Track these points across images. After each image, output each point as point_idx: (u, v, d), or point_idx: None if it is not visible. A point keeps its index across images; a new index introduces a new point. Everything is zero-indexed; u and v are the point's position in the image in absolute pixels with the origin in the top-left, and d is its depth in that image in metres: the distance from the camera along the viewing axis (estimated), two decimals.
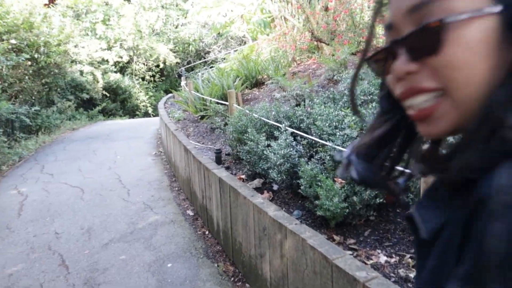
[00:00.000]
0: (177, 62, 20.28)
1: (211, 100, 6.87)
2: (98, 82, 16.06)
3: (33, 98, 12.21)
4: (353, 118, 3.29)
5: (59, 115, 12.96)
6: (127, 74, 18.95)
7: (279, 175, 3.34)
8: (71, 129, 12.25)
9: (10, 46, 10.85)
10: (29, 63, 11.68)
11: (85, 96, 15.26)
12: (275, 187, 3.64)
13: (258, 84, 7.94)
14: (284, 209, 3.17)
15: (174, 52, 20.11)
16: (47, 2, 7.26)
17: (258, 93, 7.19)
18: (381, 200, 2.64)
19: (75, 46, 15.73)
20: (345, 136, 3.09)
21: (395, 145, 0.58)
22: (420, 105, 0.45)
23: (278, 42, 8.95)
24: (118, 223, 4.77)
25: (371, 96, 3.59)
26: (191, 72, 17.93)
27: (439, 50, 0.42)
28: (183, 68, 17.64)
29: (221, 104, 6.26)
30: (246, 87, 7.71)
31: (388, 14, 0.50)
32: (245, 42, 20.60)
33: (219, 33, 19.02)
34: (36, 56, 11.79)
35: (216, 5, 14.25)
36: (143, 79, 19.81)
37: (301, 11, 8.17)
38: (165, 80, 21.39)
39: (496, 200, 0.35)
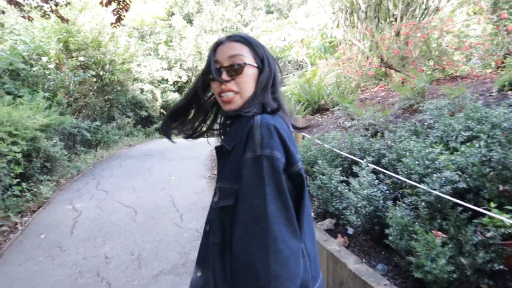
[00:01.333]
0: None
1: None
2: (156, 100, 16.42)
3: (95, 113, 12.59)
4: (451, 157, 2.77)
5: (118, 131, 13.26)
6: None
7: (358, 219, 2.87)
8: (128, 145, 12.44)
9: (78, 63, 11.31)
10: (94, 79, 12.12)
11: (143, 113, 15.61)
12: (350, 230, 3.16)
13: (320, 110, 7.52)
14: (364, 260, 2.68)
15: None
16: (114, 21, 7.36)
17: (321, 120, 6.76)
18: (500, 267, 2.09)
19: (138, 65, 16.26)
20: (444, 180, 2.57)
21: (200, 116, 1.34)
22: (229, 96, 1.16)
23: (343, 68, 8.52)
24: (169, 251, 4.46)
25: (471, 132, 3.04)
26: None
27: (241, 74, 1.16)
28: None
29: None
30: (308, 113, 7.31)
31: (216, 56, 1.19)
32: (302, 67, 20.41)
33: (276, 57, 18.93)
34: (101, 73, 12.22)
35: (277, 29, 14.16)
36: None
37: (370, 35, 7.71)
38: None
39: (256, 124, 1.05)
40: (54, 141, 7.86)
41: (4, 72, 9.33)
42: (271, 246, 0.93)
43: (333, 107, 7.10)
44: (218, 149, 1.17)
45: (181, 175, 8.04)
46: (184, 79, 18.56)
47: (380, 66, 7.48)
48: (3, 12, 7.61)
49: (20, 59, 9.62)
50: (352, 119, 5.78)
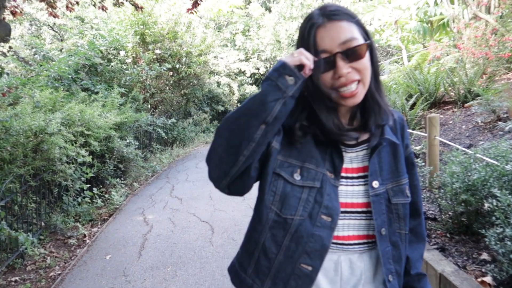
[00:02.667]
0: None
1: None
2: (233, 94, 15.64)
3: (172, 109, 12.06)
4: None
5: (194, 127, 12.66)
6: None
7: None
8: (204, 143, 11.78)
9: (154, 56, 10.78)
10: (171, 73, 11.55)
11: (220, 108, 14.92)
12: None
13: (437, 103, 5.96)
14: None
15: None
16: (190, 7, 6.44)
17: (443, 117, 5.24)
18: None
19: (215, 57, 15.57)
20: None
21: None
22: (352, 89, 0.91)
23: (463, 49, 6.80)
24: None
25: None
26: None
27: (362, 58, 0.91)
28: None
29: None
30: (423, 109, 5.80)
31: (322, 44, 0.90)
32: (392, 53, 18.39)
33: None
34: (177, 66, 11.62)
35: (367, 11, 12.48)
36: None
37: (508, 5, 5.93)
38: None
39: (403, 120, 1.11)
40: (128, 140, 7.26)
41: (84, 67, 9.02)
42: None
43: (460, 100, 5.53)
44: (376, 146, 1.01)
45: None
46: (262, 70, 17.53)
47: None
48: (78, 3, 7.09)
49: (98, 54, 9.25)
50: (499, 118, 4.23)
